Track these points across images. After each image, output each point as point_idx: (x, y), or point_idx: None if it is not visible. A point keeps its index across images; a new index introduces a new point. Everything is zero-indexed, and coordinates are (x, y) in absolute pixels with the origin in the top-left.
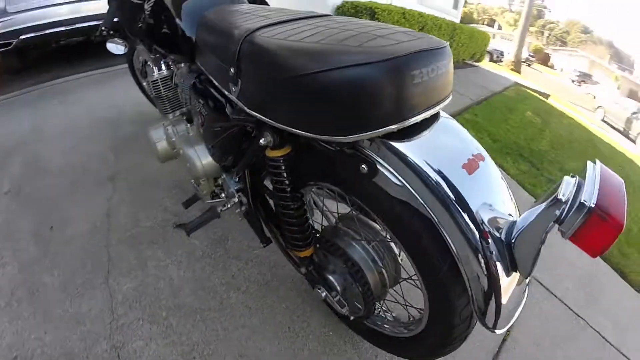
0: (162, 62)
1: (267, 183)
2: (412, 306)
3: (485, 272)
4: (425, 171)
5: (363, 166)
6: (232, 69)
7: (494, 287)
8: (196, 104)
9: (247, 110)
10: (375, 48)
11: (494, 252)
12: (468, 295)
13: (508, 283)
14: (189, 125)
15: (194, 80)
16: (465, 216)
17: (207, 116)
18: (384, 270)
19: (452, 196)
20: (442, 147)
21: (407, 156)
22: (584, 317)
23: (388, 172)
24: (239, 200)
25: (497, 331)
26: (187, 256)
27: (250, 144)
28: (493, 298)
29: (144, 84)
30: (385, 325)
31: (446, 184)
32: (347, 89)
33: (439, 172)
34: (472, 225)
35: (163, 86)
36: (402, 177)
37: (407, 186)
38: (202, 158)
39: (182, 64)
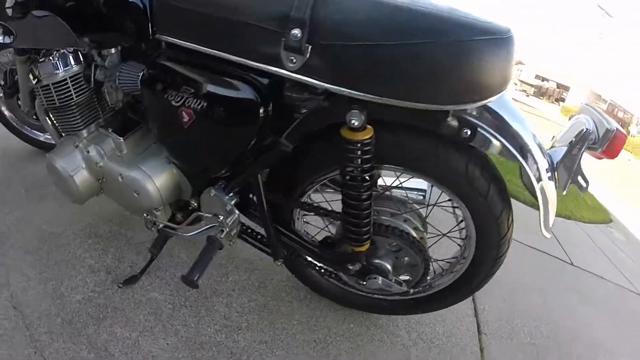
0: (69, 55)
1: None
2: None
3: (548, 189)
4: (512, 126)
5: (466, 130)
6: (295, 33)
7: (551, 200)
8: (162, 99)
9: (325, 86)
10: (489, 24)
11: (550, 174)
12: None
13: (554, 197)
14: (120, 138)
15: (160, 63)
16: (540, 153)
17: (207, 109)
18: (424, 235)
19: (529, 142)
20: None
21: (502, 116)
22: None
23: (487, 133)
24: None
25: (546, 234)
26: (156, 317)
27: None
28: (549, 208)
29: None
30: (437, 282)
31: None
32: (476, 60)
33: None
34: (544, 159)
35: (75, 89)
36: (499, 135)
37: (504, 142)
38: (156, 179)
39: (113, 50)
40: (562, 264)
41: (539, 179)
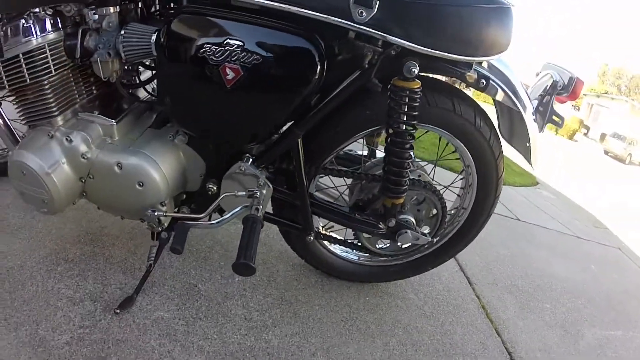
0: (46, 18)
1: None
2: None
3: (534, 131)
4: (511, 80)
5: (482, 81)
6: None
7: (536, 139)
8: (195, 57)
9: (392, 37)
10: None
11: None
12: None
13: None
14: (112, 122)
15: (190, 17)
16: (529, 101)
17: (261, 64)
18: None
19: (521, 93)
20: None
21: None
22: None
23: (495, 84)
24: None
25: (534, 166)
26: (170, 339)
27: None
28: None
29: None
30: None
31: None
32: (504, 22)
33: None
34: (531, 106)
35: (54, 61)
36: (504, 86)
37: (507, 91)
38: (163, 165)
39: (111, 9)
40: (512, 221)
41: (531, 123)
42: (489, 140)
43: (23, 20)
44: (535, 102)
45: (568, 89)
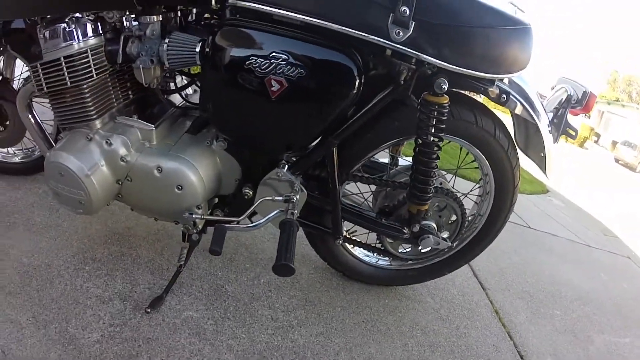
0: (88, 23)
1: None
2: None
3: (550, 142)
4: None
5: (503, 96)
6: (404, 9)
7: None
8: (241, 68)
9: (425, 56)
10: (517, 17)
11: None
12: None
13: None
14: (151, 126)
15: (236, 30)
16: (545, 114)
17: (304, 77)
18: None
19: (538, 106)
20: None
21: (522, 87)
22: None
23: (515, 99)
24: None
25: (548, 175)
26: (200, 338)
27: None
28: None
29: None
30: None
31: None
32: (525, 42)
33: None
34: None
35: (95, 66)
36: (523, 100)
37: (525, 105)
38: (201, 169)
39: (155, 18)
40: (523, 228)
41: (546, 134)
42: (507, 151)
43: (64, 25)
44: (551, 115)
45: (582, 102)
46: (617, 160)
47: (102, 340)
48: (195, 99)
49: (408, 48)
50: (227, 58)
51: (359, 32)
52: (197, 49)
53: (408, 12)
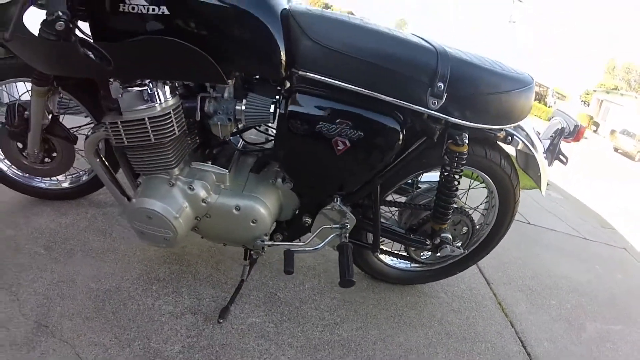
0: (166, 85)
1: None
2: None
3: (545, 166)
4: (528, 133)
5: (509, 137)
6: (440, 85)
7: (546, 172)
8: (312, 130)
9: (452, 119)
10: (523, 76)
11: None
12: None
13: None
14: (225, 171)
15: (307, 98)
16: (541, 146)
17: (363, 138)
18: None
19: (535, 140)
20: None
21: (522, 127)
22: None
23: (517, 138)
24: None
25: (543, 192)
26: (265, 339)
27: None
28: (545, 177)
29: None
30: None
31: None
32: (528, 97)
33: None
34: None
35: (177, 124)
36: (523, 138)
37: (525, 142)
38: (269, 204)
39: (230, 82)
40: (523, 225)
41: (542, 160)
42: (510, 175)
43: (146, 88)
44: (547, 142)
45: (573, 134)
46: (616, 150)
47: (184, 351)
48: (252, 138)
49: (441, 113)
50: (300, 121)
51: (405, 103)
52: (271, 110)
53: (442, 87)
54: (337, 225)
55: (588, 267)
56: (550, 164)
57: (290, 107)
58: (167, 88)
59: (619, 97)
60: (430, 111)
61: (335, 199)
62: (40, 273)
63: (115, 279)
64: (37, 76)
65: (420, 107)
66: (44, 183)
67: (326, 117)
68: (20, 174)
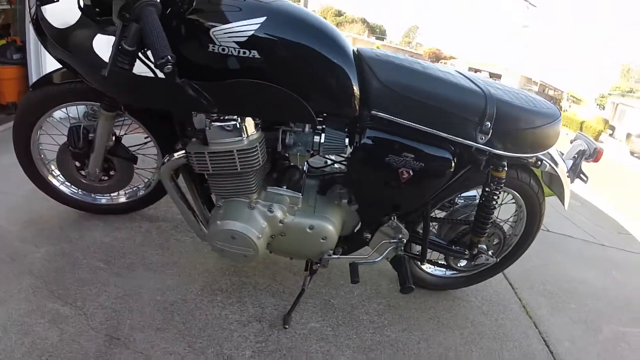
0: (251, 121)
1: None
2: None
3: (567, 183)
4: (553, 156)
5: (538, 162)
6: (487, 124)
7: (568, 189)
8: (382, 162)
9: (496, 151)
10: (553, 109)
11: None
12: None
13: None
14: (299, 194)
15: (379, 135)
16: (565, 166)
17: (424, 168)
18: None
19: (559, 162)
20: None
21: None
22: None
23: (545, 162)
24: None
25: (566, 206)
26: (326, 342)
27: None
28: (567, 194)
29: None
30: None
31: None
32: (558, 128)
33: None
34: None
35: (261, 153)
36: (549, 161)
37: (551, 164)
38: (337, 223)
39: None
40: (542, 232)
41: (565, 179)
42: (537, 193)
43: (234, 123)
44: (570, 162)
45: (593, 155)
46: (632, 153)
47: (254, 355)
48: (316, 163)
49: (487, 147)
50: (372, 154)
51: (459, 139)
52: (346, 143)
53: (489, 125)
54: (395, 240)
55: (605, 273)
56: (572, 181)
57: (364, 141)
58: (252, 122)
59: (635, 100)
60: (479, 145)
61: (392, 217)
62: (103, 287)
63: (180, 291)
64: (107, 102)
65: (471, 142)
66: (103, 199)
67: (394, 151)
68: (76, 190)
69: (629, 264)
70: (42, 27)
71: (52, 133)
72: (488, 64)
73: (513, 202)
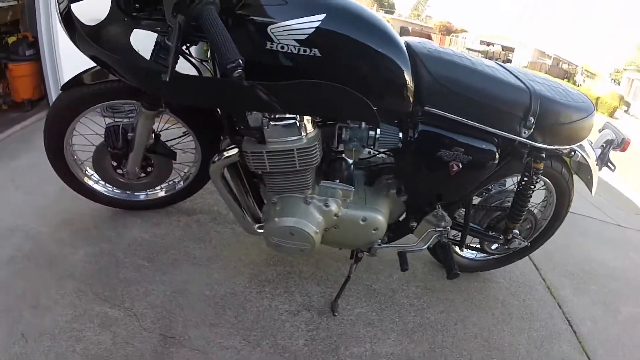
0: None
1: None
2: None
3: (595, 170)
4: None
5: (572, 152)
6: (531, 119)
7: (596, 176)
8: (433, 156)
9: (537, 145)
10: (588, 104)
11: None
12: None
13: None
14: (352, 188)
15: (431, 130)
16: (594, 155)
17: (472, 161)
18: None
19: (589, 151)
20: None
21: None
22: None
23: (578, 152)
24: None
25: (593, 193)
26: (372, 326)
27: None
28: (595, 180)
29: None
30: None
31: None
32: (592, 122)
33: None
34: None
35: (319, 150)
36: (581, 151)
37: (583, 154)
38: (386, 213)
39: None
40: None
41: (594, 168)
42: (567, 180)
43: (293, 121)
44: (599, 151)
45: (621, 145)
46: None
47: (308, 344)
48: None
49: (529, 140)
50: (425, 149)
51: (504, 133)
52: (400, 136)
53: (533, 121)
54: (440, 228)
55: (623, 254)
56: (600, 169)
57: (417, 136)
58: (309, 119)
59: None
60: (522, 139)
61: (437, 206)
62: (150, 286)
63: (228, 284)
64: (148, 101)
65: (515, 136)
66: (142, 195)
67: (445, 145)
68: (112, 188)
69: None
70: (75, 23)
71: (85, 133)
72: (500, 36)
73: (544, 188)
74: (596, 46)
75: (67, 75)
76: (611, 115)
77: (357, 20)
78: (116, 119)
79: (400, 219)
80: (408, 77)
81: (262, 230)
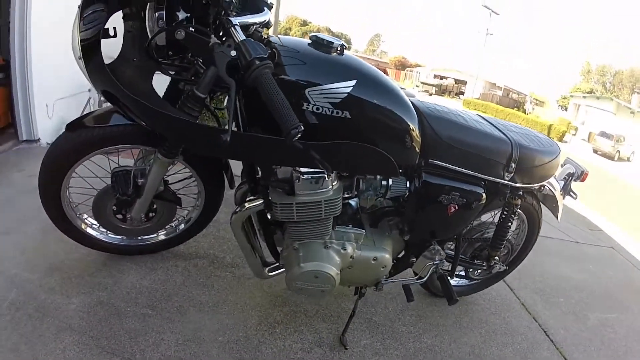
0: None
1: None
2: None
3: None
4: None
5: (541, 188)
6: (512, 165)
7: (561, 204)
8: (435, 201)
9: (516, 185)
10: (555, 147)
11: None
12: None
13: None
14: (363, 231)
15: (433, 180)
16: (559, 187)
17: (465, 202)
18: None
19: (555, 185)
20: None
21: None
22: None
23: (547, 187)
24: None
25: (559, 219)
26: (377, 354)
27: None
28: (560, 208)
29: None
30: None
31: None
32: (557, 166)
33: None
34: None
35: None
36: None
37: (550, 187)
38: (391, 252)
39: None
40: None
41: (559, 198)
42: (537, 210)
43: (322, 175)
44: (562, 183)
45: (580, 177)
46: (595, 151)
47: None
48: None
49: (510, 182)
50: (428, 194)
51: (491, 178)
52: (407, 186)
53: (514, 166)
54: (437, 261)
55: (583, 267)
56: (564, 198)
57: (422, 184)
58: (334, 174)
59: (595, 101)
60: (504, 181)
61: (434, 243)
62: (159, 335)
63: (240, 328)
64: (167, 149)
65: (500, 179)
66: (157, 237)
67: (445, 191)
68: (107, 233)
69: (603, 258)
70: (101, 58)
71: (86, 176)
72: (453, 70)
73: (517, 219)
74: (541, 75)
75: (38, 103)
76: (560, 139)
77: (380, 86)
78: (121, 164)
79: (400, 255)
80: (419, 137)
81: (273, 274)
